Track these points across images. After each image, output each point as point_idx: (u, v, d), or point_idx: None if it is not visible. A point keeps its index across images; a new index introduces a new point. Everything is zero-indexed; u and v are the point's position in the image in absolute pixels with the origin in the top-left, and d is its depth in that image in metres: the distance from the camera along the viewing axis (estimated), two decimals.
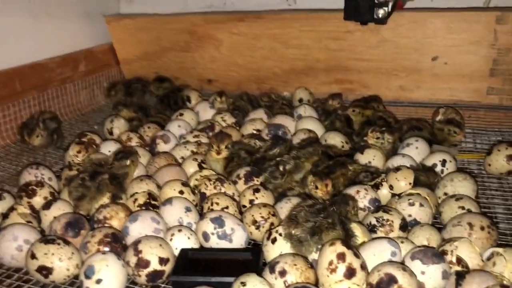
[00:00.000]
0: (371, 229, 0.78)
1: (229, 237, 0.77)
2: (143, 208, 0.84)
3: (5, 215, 0.84)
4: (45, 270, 0.71)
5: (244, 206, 0.87)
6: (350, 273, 0.64)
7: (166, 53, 1.61)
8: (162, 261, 0.71)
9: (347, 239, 0.70)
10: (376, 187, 0.91)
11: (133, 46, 1.63)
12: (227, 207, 0.84)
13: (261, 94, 1.40)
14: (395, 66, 1.39)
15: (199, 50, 1.56)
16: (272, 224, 0.80)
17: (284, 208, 0.84)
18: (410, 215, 0.81)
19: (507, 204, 0.92)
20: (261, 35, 1.48)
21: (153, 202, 0.86)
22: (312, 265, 0.69)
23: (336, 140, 1.09)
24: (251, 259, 0.73)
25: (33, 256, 0.72)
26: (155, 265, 0.70)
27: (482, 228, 0.74)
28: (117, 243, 0.75)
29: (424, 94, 1.39)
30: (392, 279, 0.63)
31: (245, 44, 1.51)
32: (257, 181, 0.94)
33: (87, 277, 0.67)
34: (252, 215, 0.81)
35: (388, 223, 0.77)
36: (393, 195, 0.89)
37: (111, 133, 1.22)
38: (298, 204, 0.77)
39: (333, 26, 1.40)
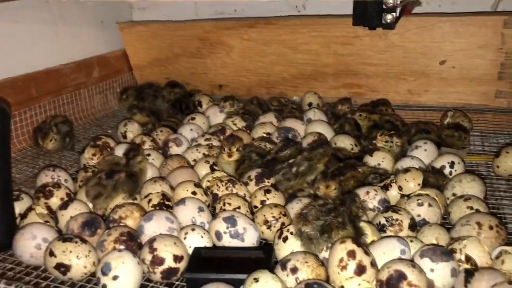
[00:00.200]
0: (381, 228, 0.79)
1: (241, 236, 0.79)
2: (157, 208, 0.86)
3: (24, 215, 0.87)
4: (63, 267, 0.73)
5: (256, 207, 0.89)
6: (360, 270, 0.66)
7: (178, 59, 1.63)
8: (177, 258, 0.72)
9: (358, 238, 0.72)
10: (386, 188, 0.92)
11: (146, 52, 1.66)
12: (239, 207, 0.86)
13: (270, 99, 1.42)
14: (403, 70, 1.41)
15: (210, 56, 1.59)
16: (283, 223, 0.82)
17: (295, 208, 0.85)
18: (419, 215, 0.82)
19: None
20: (271, 41, 1.50)
21: (167, 203, 0.88)
22: (323, 263, 0.70)
23: (345, 143, 1.11)
24: (263, 257, 0.75)
25: (51, 254, 0.74)
26: (169, 263, 0.72)
27: (491, 228, 0.76)
28: (132, 242, 0.77)
29: (432, 97, 1.41)
30: (401, 276, 0.64)
31: (255, 50, 1.53)
32: (268, 182, 0.95)
33: (104, 273, 0.69)
34: (264, 215, 0.83)
35: (398, 222, 0.79)
36: (402, 195, 0.90)
37: (125, 136, 1.25)
38: (309, 203, 0.79)
39: (341, 31, 1.42)
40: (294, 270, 0.67)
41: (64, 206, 0.87)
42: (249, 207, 0.88)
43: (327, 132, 1.17)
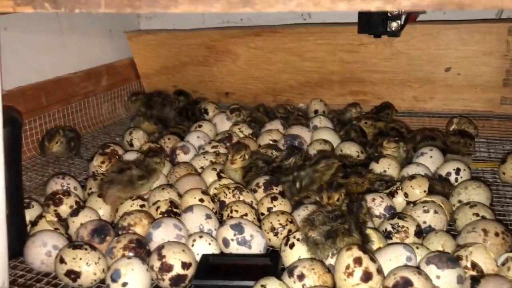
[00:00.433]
0: (387, 235, 0.80)
1: (249, 243, 0.80)
2: (165, 215, 0.87)
3: (34, 223, 0.88)
4: (73, 274, 0.74)
5: (263, 214, 0.90)
6: (366, 277, 0.67)
7: (185, 67, 1.65)
8: (185, 265, 0.73)
9: (365, 244, 0.72)
10: (391, 195, 0.93)
11: (153, 61, 1.68)
12: (246, 215, 0.87)
13: (277, 106, 1.43)
14: (408, 77, 1.42)
15: (217, 64, 1.61)
16: (289, 231, 0.83)
17: (302, 215, 0.86)
18: (425, 222, 0.83)
19: None
20: (277, 49, 1.52)
21: (174, 210, 0.89)
22: (330, 270, 0.71)
23: (351, 150, 1.11)
24: (270, 264, 0.75)
25: (62, 261, 0.75)
26: (178, 269, 0.73)
27: (497, 234, 0.76)
28: (141, 249, 0.78)
29: (437, 104, 1.41)
30: (407, 283, 0.64)
31: (261, 58, 1.55)
32: (276, 189, 0.96)
33: (114, 280, 0.70)
34: (271, 222, 0.84)
35: (404, 229, 0.79)
36: (408, 202, 0.91)
37: (131, 144, 1.27)
38: (317, 208, 0.80)
39: (347, 39, 1.43)
40: (301, 277, 0.68)
41: (75, 213, 0.88)
42: (256, 214, 0.89)
43: (333, 139, 1.18)
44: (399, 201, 0.92)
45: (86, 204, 0.95)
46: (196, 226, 0.85)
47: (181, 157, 1.15)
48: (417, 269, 0.67)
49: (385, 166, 1.02)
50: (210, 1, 0.50)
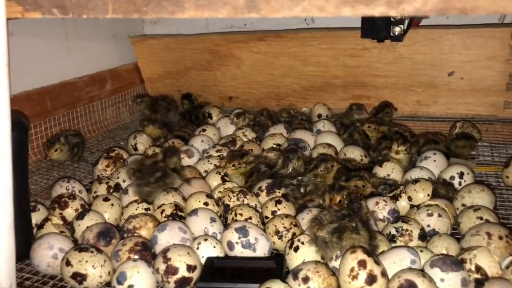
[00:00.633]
0: (391, 239, 0.80)
1: (253, 246, 0.80)
2: (170, 218, 0.88)
3: (40, 226, 0.89)
4: (79, 277, 0.75)
5: (267, 217, 0.90)
6: (371, 280, 0.67)
7: (189, 71, 1.66)
8: (190, 268, 0.74)
9: (372, 242, 0.73)
10: (395, 198, 0.93)
11: (157, 65, 1.69)
12: (250, 218, 0.87)
13: (280, 110, 1.44)
14: (411, 81, 1.42)
15: (221, 69, 1.62)
16: (294, 234, 0.83)
17: (306, 219, 0.86)
18: (428, 225, 0.83)
19: None
20: (280, 53, 1.53)
21: (179, 213, 0.90)
22: (334, 272, 0.71)
23: (355, 153, 1.12)
24: (275, 267, 0.76)
25: (68, 264, 0.76)
26: (183, 272, 0.73)
27: (501, 238, 0.76)
28: (146, 251, 0.79)
29: (441, 108, 1.42)
30: (412, 285, 0.65)
31: (265, 62, 1.56)
32: (279, 192, 0.97)
33: (119, 283, 0.71)
34: (275, 226, 0.84)
35: (407, 233, 0.79)
36: (412, 206, 0.91)
37: (135, 148, 1.27)
38: (324, 208, 0.80)
39: (350, 44, 1.44)
40: (306, 279, 0.68)
41: (80, 216, 0.89)
42: (260, 218, 0.90)
43: (337, 143, 1.18)
44: (402, 204, 0.92)
45: (91, 207, 0.96)
46: (201, 229, 0.85)
47: (186, 161, 1.16)
48: (422, 272, 0.68)
49: (389, 170, 1.02)
50: (216, 6, 0.51)
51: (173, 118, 1.49)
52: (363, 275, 0.67)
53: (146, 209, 0.92)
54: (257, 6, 0.50)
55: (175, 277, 0.73)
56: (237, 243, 0.80)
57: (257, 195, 0.97)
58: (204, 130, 1.31)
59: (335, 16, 0.48)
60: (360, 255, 0.68)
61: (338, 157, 1.10)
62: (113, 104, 1.59)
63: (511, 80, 1.32)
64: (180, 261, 0.74)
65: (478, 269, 0.70)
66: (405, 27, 1.28)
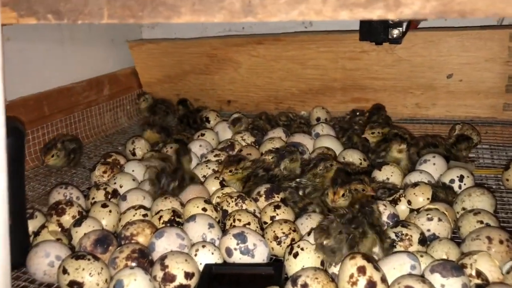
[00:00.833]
0: (390, 243, 0.79)
1: (252, 252, 0.79)
2: (168, 225, 0.87)
3: (37, 233, 0.88)
4: (76, 285, 0.74)
5: (265, 223, 0.89)
6: (370, 286, 0.66)
7: (187, 75, 1.66)
8: (188, 275, 0.73)
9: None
10: (394, 202, 0.92)
11: (155, 70, 1.68)
12: (249, 223, 0.86)
13: (279, 114, 1.44)
14: (410, 84, 1.42)
15: (219, 72, 1.61)
16: (293, 239, 0.82)
17: (305, 224, 0.86)
18: (428, 230, 0.83)
19: None
20: (279, 57, 1.52)
21: (177, 219, 0.89)
22: (333, 279, 0.71)
23: (354, 157, 1.11)
24: (274, 273, 0.75)
25: (64, 271, 0.75)
26: (181, 279, 0.72)
27: (501, 242, 0.75)
28: (144, 259, 0.78)
29: (440, 111, 1.41)
30: None
31: (263, 66, 1.55)
32: (278, 197, 0.96)
33: None
34: (274, 231, 0.84)
35: (407, 237, 0.79)
36: (411, 210, 0.90)
37: (134, 154, 1.27)
38: (327, 215, 0.79)
39: (349, 47, 1.44)
40: (305, 286, 0.68)
41: (78, 223, 0.88)
42: (259, 223, 0.89)
43: (336, 146, 1.17)
44: (402, 208, 0.92)
45: (89, 214, 0.95)
46: (199, 236, 0.84)
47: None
48: (422, 277, 0.67)
49: (388, 174, 1.02)
50: (212, 11, 0.51)
51: (171, 122, 1.48)
52: (362, 281, 0.66)
53: (144, 215, 0.91)
54: (253, 10, 0.49)
55: (172, 285, 0.72)
56: (235, 249, 0.79)
57: (256, 200, 0.96)
58: (202, 135, 1.31)
59: (333, 20, 0.48)
60: (360, 261, 0.67)
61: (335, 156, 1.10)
62: (111, 109, 1.58)
63: (510, 82, 1.31)
64: (178, 268, 0.73)
65: (479, 274, 0.70)
66: (404, 30, 1.28)
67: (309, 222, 0.86)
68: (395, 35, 1.27)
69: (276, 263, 0.82)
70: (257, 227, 0.87)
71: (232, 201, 0.93)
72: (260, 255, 0.80)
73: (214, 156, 1.17)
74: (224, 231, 0.85)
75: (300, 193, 0.97)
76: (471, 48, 1.33)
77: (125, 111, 1.64)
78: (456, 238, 0.85)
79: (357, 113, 1.38)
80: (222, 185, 1.03)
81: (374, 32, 1.30)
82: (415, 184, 0.93)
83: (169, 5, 0.52)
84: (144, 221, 0.87)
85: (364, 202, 0.81)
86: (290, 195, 0.97)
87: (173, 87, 1.69)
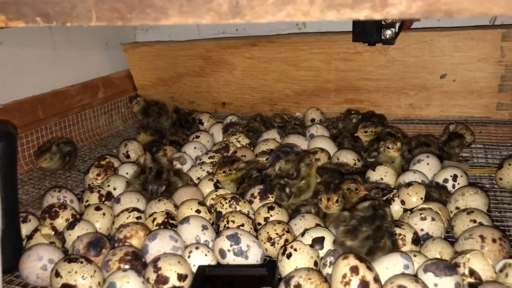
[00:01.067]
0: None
1: (245, 253, 0.79)
2: (162, 227, 0.87)
3: (30, 236, 0.88)
4: None
5: (259, 224, 0.89)
6: (363, 286, 0.66)
7: (181, 78, 1.66)
8: (181, 277, 0.73)
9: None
10: (388, 202, 0.92)
11: (150, 73, 1.68)
12: (242, 225, 0.86)
13: (274, 115, 1.44)
14: (404, 84, 1.42)
15: (214, 75, 1.61)
16: (286, 240, 0.83)
17: (298, 225, 0.86)
18: (422, 229, 0.83)
19: None
20: (273, 58, 1.52)
21: (171, 221, 0.89)
22: (326, 279, 0.71)
23: (348, 158, 1.11)
24: (267, 274, 0.75)
25: (57, 275, 0.75)
26: (174, 281, 0.72)
27: (494, 241, 0.76)
28: (137, 261, 0.78)
29: (434, 111, 1.41)
30: None
31: (257, 68, 1.55)
32: (272, 197, 0.96)
33: None
34: (267, 232, 0.84)
35: (401, 237, 0.79)
36: (405, 210, 0.91)
37: (127, 156, 1.26)
38: (353, 213, 0.79)
39: (342, 48, 1.44)
40: (298, 286, 0.68)
41: (71, 226, 0.88)
42: (252, 224, 0.89)
43: (330, 147, 1.17)
44: (395, 208, 0.92)
45: (83, 216, 0.95)
46: (192, 237, 0.84)
47: (178, 167, 1.15)
48: (415, 277, 0.67)
49: (382, 174, 1.02)
50: (200, 12, 0.51)
51: (165, 123, 1.48)
52: (355, 281, 0.66)
53: (138, 218, 0.91)
54: (241, 12, 0.49)
55: (165, 287, 0.72)
56: (229, 250, 0.80)
57: (250, 202, 0.96)
58: (197, 137, 1.31)
59: (324, 21, 0.48)
60: (352, 261, 0.67)
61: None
62: (105, 112, 1.58)
63: (503, 81, 1.31)
64: (171, 270, 0.73)
65: (472, 273, 0.70)
66: (396, 30, 1.28)
67: (302, 223, 0.86)
68: (388, 36, 1.28)
69: (269, 264, 0.82)
70: (250, 228, 0.87)
71: (226, 203, 0.93)
72: (254, 256, 0.80)
73: (209, 158, 1.17)
74: (217, 233, 0.85)
75: (287, 191, 0.97)
76: (463, 48, 1.33)
77: (119, 114, 1.64)
78: (450, 238, 0.85)
79: (352, 112, 1.38)
80: (216, 186, 1.03)
81: (367, 33, 1.30)
82: (409, 184, 0.93)
83: (157, 7, 0.52)
84: (138, 224, 0.87)
85: (377, 205, 0.80)
86: (277, 196, 0.97)
87: (168, 90, 1.69)
